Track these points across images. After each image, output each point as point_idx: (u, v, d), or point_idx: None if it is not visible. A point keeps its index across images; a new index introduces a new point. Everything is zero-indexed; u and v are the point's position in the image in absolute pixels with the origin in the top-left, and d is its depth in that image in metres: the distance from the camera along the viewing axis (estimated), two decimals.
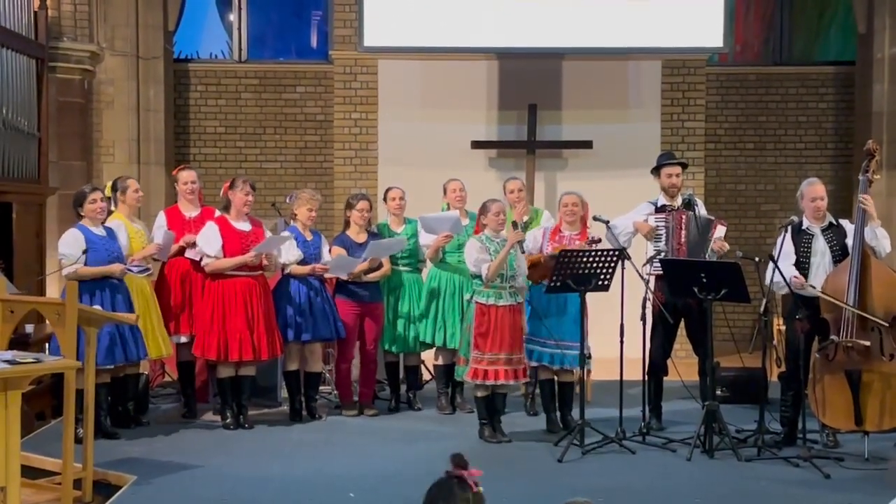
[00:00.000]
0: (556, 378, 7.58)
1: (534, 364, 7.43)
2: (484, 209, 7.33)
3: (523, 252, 7.36)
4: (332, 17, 11.44)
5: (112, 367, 7.16)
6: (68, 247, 7.04)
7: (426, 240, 8.12)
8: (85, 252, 6.93)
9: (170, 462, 6.60)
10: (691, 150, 11.06)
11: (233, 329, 7.45)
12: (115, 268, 7.08)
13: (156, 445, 7.11)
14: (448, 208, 8.31)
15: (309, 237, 7.93)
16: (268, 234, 7.78)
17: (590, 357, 7.35)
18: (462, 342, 7.37)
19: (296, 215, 7.98)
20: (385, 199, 8.40)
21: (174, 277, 7.88)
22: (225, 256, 7.51)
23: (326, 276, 7.89)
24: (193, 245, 7.69)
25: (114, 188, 7.73)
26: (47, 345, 7.67)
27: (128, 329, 7.10)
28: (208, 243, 7.54)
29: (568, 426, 7.38)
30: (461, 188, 8.29)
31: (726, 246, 7.65)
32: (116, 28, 11.04)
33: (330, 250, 7.96)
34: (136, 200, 7.73)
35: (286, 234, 7.80)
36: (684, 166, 8.04)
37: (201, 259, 7.64)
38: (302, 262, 7.80)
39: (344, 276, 7.90)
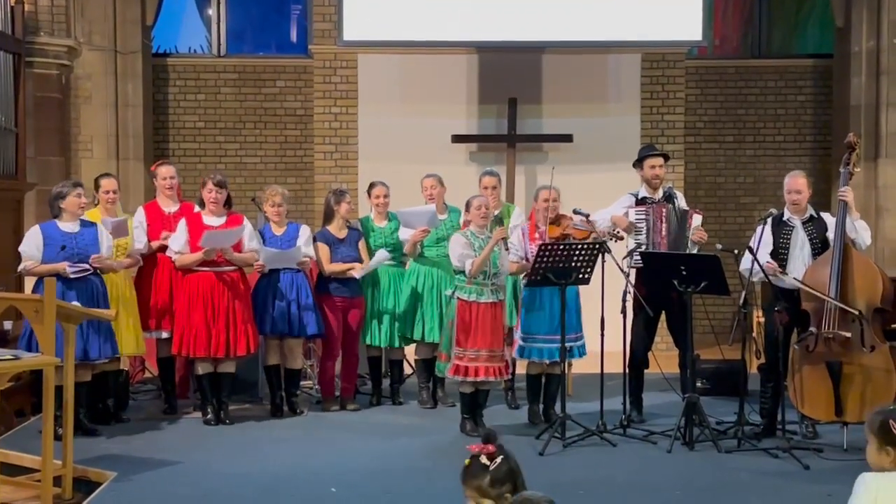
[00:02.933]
0: (542, 372, 7.58)
1: (537, 360, 7.40)
2: (468, 205, 7.33)
3: (507, 249, 7.34)
4: (312, 11, 11.39)
5: (90, 363, 7.11)
6: (25, 244, 7.12)
7: (405, 234, 8.11)
8: (63, 248, 6.90)
9: (150, 458, 6.58)
10: (671, 143, 11.08)
11: (194, 324, 7.44)
12: (59, 267, 6.97)
13: (136, 442, 7.08)
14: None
15: (279, 232, 7.90)
16: (227, 229, 7.68)
17: (571, 351, 7.33)
18: (443, 338, 7.37)
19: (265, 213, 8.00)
20: (368, 194, 8.39)
21: (155, 274, 7.84)
22: (191, 252, 7.49)
23: (263, 270, 7.78)
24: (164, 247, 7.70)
25: (95, 185, 7.70)
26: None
27: (104, 324, 7.05)
28: (174, 239, 7.55)
29: (550, 419, 7.39)
30: (432, 185, 8.26)
31: (705, 235, 7.70)
32: (94, 23, 10.96)
33: (305, 243, 7.94)
34: (107, 201, 7.66)
35: (238, 228, 7.70)
36: (666, 158, 8.07)
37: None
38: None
39: (290, 265, 7.79)
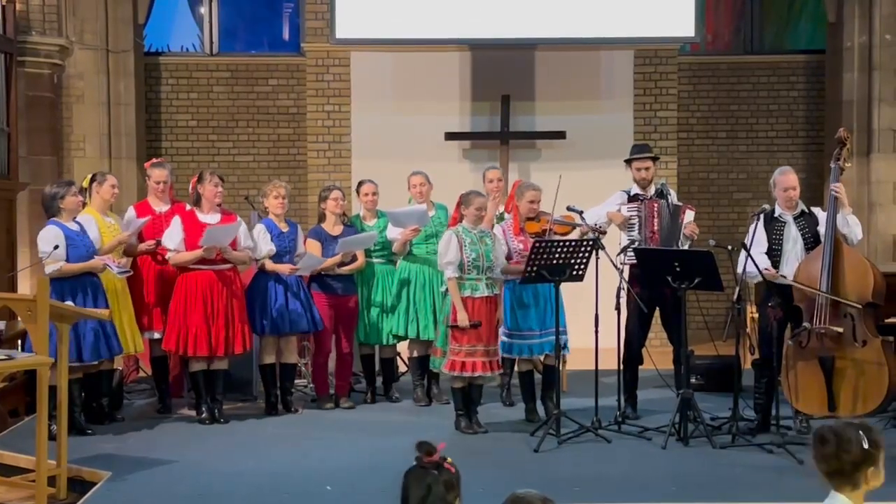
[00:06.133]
0: (534, 368, 7.58)
1: (525, 356, 7.40)
2: (467, 201, 7.23)
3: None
4: (304, 9, 11.39)
5: (97, 362, 7.13)
6: (48, 244, 6.88)
7: (394, 233, 8.09)
8: (56, 248, 6.87)
9: (144, 458, 6.57)
10: (664, 139, 11.10)
11: (191, 323, 7.42)
12: (97, 263, 7.01)
13: (130, 441, 7.07)
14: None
15: (284, 228, 7.90)
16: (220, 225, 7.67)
17: (565, 347, 7.34)
18: (439, 334, 7.36)
19: (268, 209, 7.97)
20: (358, 192, 8.39)
21: (146, 274, 7.83)
22: (187, 250, 7.47)
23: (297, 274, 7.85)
24: (158, 243, 7.68)
25: (92, 181, 7.67)
26: (20, 341, 7.61)
27: (108, 325, 7.05)
28: (170, 237, 7.52)
29: (548, 411, 7.37)
30: (421, 182, 8.25)
31: (697, 230, 7.71)
32: (86, 21, 10.95)
33: (304, 242, 7.95)
34: (112, 196, 7.66)
35: (234, 224, 7.68)
36: (655, 160, 8.06)
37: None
38: (276, 256, 7.77)
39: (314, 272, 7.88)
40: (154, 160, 8.46)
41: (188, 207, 7.76)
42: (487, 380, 7.41)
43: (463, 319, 7.00)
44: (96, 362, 7.11)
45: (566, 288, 7.12)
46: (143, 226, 7.69)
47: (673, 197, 7.86)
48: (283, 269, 7.76)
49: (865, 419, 3.33)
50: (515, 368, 7.73)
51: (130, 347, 7.58)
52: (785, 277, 6.91)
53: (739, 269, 6.92)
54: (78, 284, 6.96)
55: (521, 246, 7.30)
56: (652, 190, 7.77)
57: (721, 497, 5.85)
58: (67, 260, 6.91)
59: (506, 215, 7.86)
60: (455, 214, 7.53)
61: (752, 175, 12.19)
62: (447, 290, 7.21)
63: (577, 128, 10.84)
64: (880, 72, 11.19)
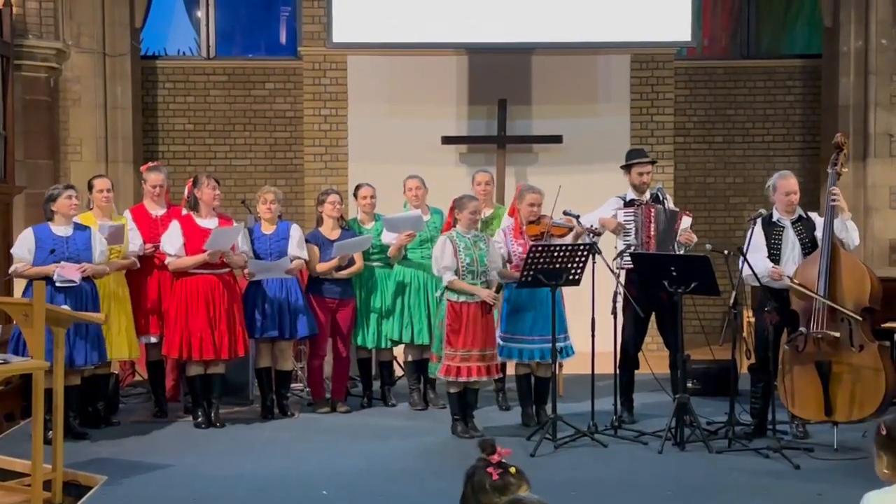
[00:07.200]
0: (531, 373, 7.58)
1: (516, 361, 7.41)
2: (461, 205, 7.27)
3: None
4: (301, 13, 11.38)
5: (80, 368, 7.08)
6: (17, 247, 7.09)
7: (388, 238, 8.08)
8: (53, 252, 6.86)
9: (141, 462, 6.56)
10: (660, 143, 11.10)
11: (194, 328, 7.41)
12: (49, 269, 6.89)
13: (126, 445, 7.06)
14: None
15: (269, 230, 7.88)
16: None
17: (562, 351, 7.34)
18: (434, 339, 7.36)
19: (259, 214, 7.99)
20: (355, 196, 8.39)
21: (143, 278, 7.80)
22: (187, 255, 7.46)
23: (252, 279, 7.78)
24: (156, 248, 7.65)
25: (89, 187, 7.68)
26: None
27: (93, 329, 7.01)
28: (170, 242, 7.50)
29: (541, 420, 7.38)
30: (417, 186, 8.25)
31: (693, 237, 7.72)
32: (83, 25, 10.95)
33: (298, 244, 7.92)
34: (103, 200, 7.63)
35: (237, 226, 7.68)
36: (653, 163, 8.07)
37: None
38: (256, 258, 7.76)
39: (279, 276, 7.79)
40: (150, 164, 8.45)
41: (185, 211, 7.74)
42: (483, 384, 7.42)
43: (488, 296, 7.02)
44: (75, 368, 7.02)
45: (565, 292, 7.13)
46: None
47: (669, 202, 7.86)
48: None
49: None
50: (512, 372, 7.74)
51: (128, 353, 7.58)
52: (790, 278, 6.88)
53: (746, 274, 6.90)
54: (68, 288, 6.88)
55: (521, 249, 7.31)
56: (647, 195, 7.78)
57: (717, 502, 5.86)
58: (33, 264, 6.93)
59: (506, 218, 7.87)
60: (449, 219, 7.54)
61: (749, 179, 12.19)
62: (441, 294, 7.21)
63: (574, 132, 10.83)
64: (876, 76, 11.21)
